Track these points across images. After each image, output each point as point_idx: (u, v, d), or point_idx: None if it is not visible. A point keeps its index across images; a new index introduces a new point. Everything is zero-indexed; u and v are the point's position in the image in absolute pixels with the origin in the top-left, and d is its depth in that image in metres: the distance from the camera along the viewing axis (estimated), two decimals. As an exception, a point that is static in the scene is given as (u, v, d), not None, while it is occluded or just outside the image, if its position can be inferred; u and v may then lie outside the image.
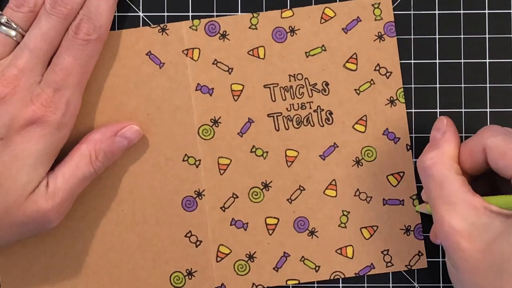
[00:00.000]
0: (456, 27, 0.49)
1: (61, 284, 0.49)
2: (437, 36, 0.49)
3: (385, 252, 0.49)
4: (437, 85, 0.49)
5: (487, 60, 0.49)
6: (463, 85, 0.49)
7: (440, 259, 0.49)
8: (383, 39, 0.49)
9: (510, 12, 0.49)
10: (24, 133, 0.44)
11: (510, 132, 0.42)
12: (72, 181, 0.46)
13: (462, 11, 0.49)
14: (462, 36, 0.49)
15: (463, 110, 0.49)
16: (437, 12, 0.49)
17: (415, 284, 0.49)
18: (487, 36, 0.49)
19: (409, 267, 0.49)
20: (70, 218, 0.49)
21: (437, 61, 0.49)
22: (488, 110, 0.49)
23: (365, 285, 0.49)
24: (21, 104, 0.44)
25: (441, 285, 0.49)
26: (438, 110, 0.49)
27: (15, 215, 0.44)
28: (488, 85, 0.49)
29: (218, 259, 0.49)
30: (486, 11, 0.49)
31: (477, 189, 0.43)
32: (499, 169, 0.41)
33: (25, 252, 0.49)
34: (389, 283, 0.49)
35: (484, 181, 0.44)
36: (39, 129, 0.44)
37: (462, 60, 0.49)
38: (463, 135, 0.49)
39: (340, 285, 0.49)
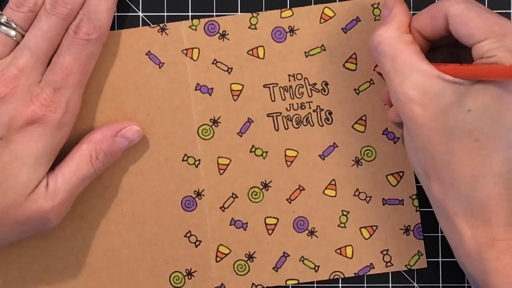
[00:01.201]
0: (456, 26, 0.49)
1: (61, 284, 0.49)
2: (437, 36, 0.49)
3: (384, 252, 0.49)
4: (437, 85, 0.49)
5: (487, 60, 0.49)
6: (463, 85, 0.49)
7: (440, 259, 0.49)
8: (382, 39, 0.49)
9: (510, 12, 0.49)
10: (24, 133, 0.44)
11: (473, 0, 0.42)
12: (72, 181, 0.46)
13: (462, 11, 0.49)
14: (462, 35, 0.49)
15: (463, 109, 0.49)
16: (436, 11, 0.49)
17: (415, 284, 0.49)
18: (487, 35, 0.49)
19: (408, 267, 0.49)
20: (70, 218, 0.49)
21: (437, 60, 0.49)
22: (488, 109, 0.49)
23: (365, 285, 0.49)
24: (21, 103, 0.44)
25: (440, 285, 0.49)
26: (437, 110, 0.49)
27: (15, 214, 0.44)
28: (488, 84, 0.49)
29: (218, 259, 0.49)
30: (486, 11, 0.49)
31: (437, 58, 0.43)
32: (460, 37, 0.41)
33: (25, 252, 0.49)
34: (389, 283, 0.49)
35: (444, 49, 0.45)
36: (39, 128, 0.44)
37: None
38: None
39: (340, 285, 0.49)
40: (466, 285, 0.49)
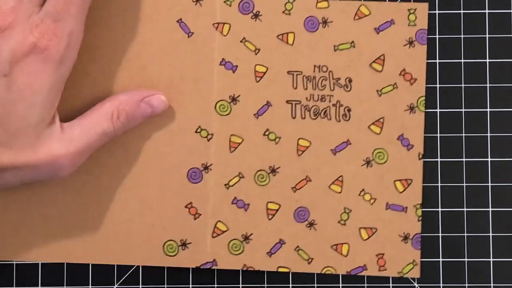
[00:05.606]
0: (456, 27, 0.50)
1: (56, 231, 0.49)
2: (437, 36, 0.49)
3: (380, 256, 0.49)
4: (437, 85, 0.49)
5: (487, 60, 0.50)
6: (463, 85, 0.49)
7: (440, 259, 0.49)
8: (413, 45, 0.49)
9: (510, 12, 0.50)
10: (27, 68, 0.43)
11: None
12: (90, 134, 0.45)
13: (462, 11, 0.50)
14: (462, 36, 0.50)
15: (463, 110, 0.49)
16: (437, 12, 0.49)
17: (415, 284, 0.49)
18: (487, 36, 0.50)
19: (401, 274, 0.49)
20: (77, 171, 0.48)
21: (437, 61, 0.49)
22: (488, 110, 0.49)
23: (365, 285, 0.49)
24: (21, 36, 0.42)
25: (441, 285, 0.49)
26: (438, 110, 0.49)
27: (28, 156, 0.44)
28: (488, 85, 0.49)
29: (214, 234, 0.49)
30: (486, 11, 0.50)
31: None
32: None
33: (26, 196, 0.49)
34: (389, 283, 0.49)
35: None
36: (41, 63, 0.43)
37: (462, 60, 0.50)
38: (463, 135, 0.49)
39: (340, 285, 0.49)
40: (466, 285, 0.49)
